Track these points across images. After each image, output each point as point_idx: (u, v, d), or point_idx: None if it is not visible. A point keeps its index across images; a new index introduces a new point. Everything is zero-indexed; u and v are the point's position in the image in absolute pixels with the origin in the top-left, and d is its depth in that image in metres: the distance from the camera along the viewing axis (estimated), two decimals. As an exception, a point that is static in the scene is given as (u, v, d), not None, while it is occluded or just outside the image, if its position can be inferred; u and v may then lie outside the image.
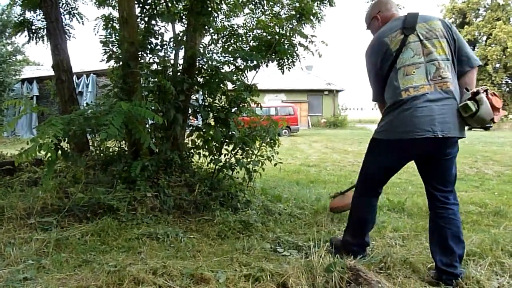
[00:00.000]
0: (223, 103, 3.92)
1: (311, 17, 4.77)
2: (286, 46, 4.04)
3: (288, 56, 4.19)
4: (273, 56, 4.15)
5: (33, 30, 5.34)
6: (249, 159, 3.81)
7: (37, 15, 5.33)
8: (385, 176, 2.45)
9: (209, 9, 3.71)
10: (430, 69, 2.20)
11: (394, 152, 2.30)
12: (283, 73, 4.45)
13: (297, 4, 5.35)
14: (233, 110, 3.84)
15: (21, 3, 5.33)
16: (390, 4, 2.54)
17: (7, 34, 15.44)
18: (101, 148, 4.06)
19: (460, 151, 2.37)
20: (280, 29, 4.27)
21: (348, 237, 2.56)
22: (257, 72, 3.97)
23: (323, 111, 28.20)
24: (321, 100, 28.41)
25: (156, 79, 3.56)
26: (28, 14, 5.49)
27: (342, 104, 30.35)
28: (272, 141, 3.87)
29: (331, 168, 7.57)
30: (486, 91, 2.12)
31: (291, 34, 4.02)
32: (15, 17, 5.81)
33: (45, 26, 4.93)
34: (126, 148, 3.95)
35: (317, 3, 5.73)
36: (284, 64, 4.34)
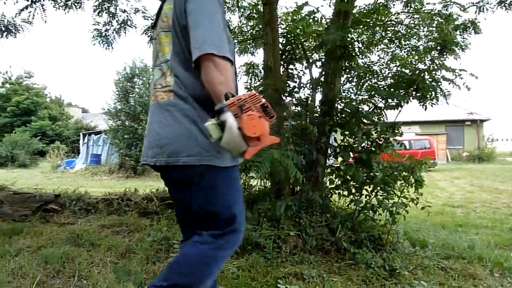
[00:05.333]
0: (364, 143, 3.84)
1: (454, 48, 4.46)
2: (428, 82, 3.82)
3: (431, 92, 3.94)
4: (415, 93, 3.94)
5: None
6: (391, 201, 3.64)
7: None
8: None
9: (353, 53, 3.77)
10: (156, 75, 1.68)
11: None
12: (425, 110, 4.20)
13: (437, 35, 5.06)
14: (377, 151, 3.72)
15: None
16: None
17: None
18: (246, 186, 4.38)
19: None
20: (421, 64, 4.09)
21: None
22: (400, 111, 3.81)
23: (464, 143, 25.42)
24: (462, 131, 25.72)
25: (298, 121, 3.74)
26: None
27: (489, 135, 26.49)
28: (417, 182, 3.62)
29: (482, 210, 6.74)
30: (241, 106, 1.34)
31: (436, 69, 3.78)
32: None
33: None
34: (269, 187, 4.17)
35: (460, 32, 5.35)
36: (427, 100, 4.09)
